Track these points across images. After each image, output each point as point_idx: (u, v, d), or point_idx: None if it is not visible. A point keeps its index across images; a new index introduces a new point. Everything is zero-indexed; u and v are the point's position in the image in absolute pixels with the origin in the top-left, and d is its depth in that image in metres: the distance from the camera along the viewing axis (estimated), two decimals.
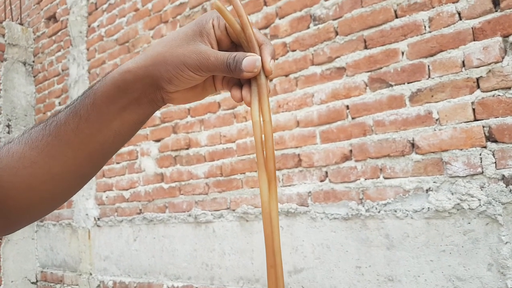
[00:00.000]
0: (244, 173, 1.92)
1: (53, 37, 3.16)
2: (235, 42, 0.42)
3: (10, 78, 3.21)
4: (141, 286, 2.34)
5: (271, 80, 1.84)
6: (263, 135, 0.40)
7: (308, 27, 1.73)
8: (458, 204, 1.32)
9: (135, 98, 0.41)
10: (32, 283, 3.12)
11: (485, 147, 1.28)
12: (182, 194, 2.19)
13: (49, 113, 3.15)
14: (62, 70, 3.05)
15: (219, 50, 0.41)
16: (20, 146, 0.44)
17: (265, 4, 1.89)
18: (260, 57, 0.39)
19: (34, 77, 3.35)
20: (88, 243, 2.71)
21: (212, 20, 0.40)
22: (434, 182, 1.38)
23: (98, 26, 2.76)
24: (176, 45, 0.39)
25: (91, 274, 2.67)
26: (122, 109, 0.41)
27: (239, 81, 0.42)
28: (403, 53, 1.46)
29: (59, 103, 3.06)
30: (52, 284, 2.99)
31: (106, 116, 0.41)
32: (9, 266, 3.01)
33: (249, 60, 0.38)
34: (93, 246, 2.67)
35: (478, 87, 1.30)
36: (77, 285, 2.76)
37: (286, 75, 1.79)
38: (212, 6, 0.38)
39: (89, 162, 0.44)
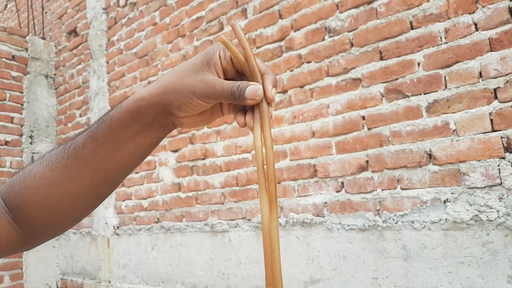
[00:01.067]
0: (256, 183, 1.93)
1: (74, 51, 3.26)
2: (239, 71, 0.45)
3: (33, 90, 3.31)
4: None
5: (286, 92, 1.87)
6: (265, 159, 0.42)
7: (323, 39, 1.75)
8: (477, 215, 1.31)
9: (148, 123, 0.44)
10: None
11: (503, 158, 1.27)
12: (198, 204, 2.21)
13: (70, 124, 3.24)
14: (83, 83, 3.14)
15: (225, 78, 0.44)
16: (41, 168, 0.47)
17: (280, 17, 1.92)
18: (261, 86, 0.42)
19: (55, 89, 3.45)
20: (107, 251, 2.76)
21: (219, 51, 0.44)
22: (452, 193, 1.37)
23: (117, 40, 2.84)
24: (186, 75, 0.42)
25: (110, 281, 2.71)
26: (136, 134, 0.45)
27: (244, 107, 0.45)
28: (419, 64, 1.47)
29: (80, 114, 3.15)
30: None
31: (121, 140, 0.45)
32: (31, 273, 3.08)
33: (251, 89, 0.41)
34: (112, 254, 2.72)
35: (496, 97, 1.30)
36: None
37: (301, 86, 1.81)
38: (218, 39, 0.41)
39: (105, 182, 0.48)
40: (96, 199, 0.50)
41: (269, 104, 0.43)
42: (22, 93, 3.25)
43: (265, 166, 0.42)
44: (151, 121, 0.44)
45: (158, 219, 2.43)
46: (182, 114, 0.44)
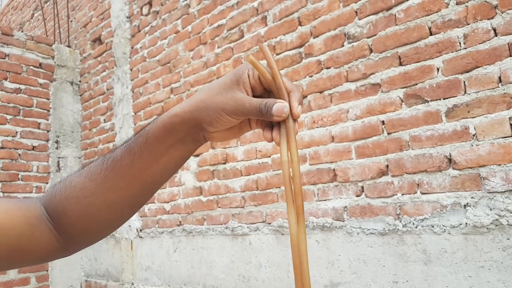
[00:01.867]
0: (279, 187, 1.97)
1: (99, 58, 3.37)
2: (267, 89, 0.48)
3: (59, 97, 3.43)
4: None
5: (305, 97, 1.90)
6: (291, 173, 0.44)
7: (343, 45, 1.78)
8: (497, 219, 1.31)
9: (181, 137, 0.48)
10: None
11: None
12: (219, 207, 2.26)
13: (94, 130, 3.34)
14: (107, 89, 3.24)
15: (253, 96, 0.47)
16: (81, 179, 0.51)
17: (300, 24, 1.96)
18: (288, 103, 0.45)
19: (80, 96, 3.56)
20: (130, 254, 2.83)
21: (248, 70, 0.47)
22: (472, 198, 1.37)
23: (141, 47, 2.92)
24: (216, 93, 0.46)
25: (133, 284, 2.78)
26: (170, 147, 0.49)
27: (271, 122, 0.48)
28: (438, 69, 1.49)
29: (104, 120, 3.24)
30: None
31: (157, 153, 0.49)
32: (56, 274, 3.17)
33: (278, 106, 0.44)
34: (135, 256, 2.79)
35: None
36: None
37: (321, 92, 1.84)
38: (247, 59, 0.44)
39: (141, 193, 0.51)
40: (132, 209, 0.53)
41: (295, 120, 0.45)
42: (48, 99, 3.37)
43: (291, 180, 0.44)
44: (184, 136, 0.48)
45: (180, 222, 2.49)
46: (212, 129, 0.47)
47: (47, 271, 3.13)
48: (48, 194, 0.53)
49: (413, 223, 1.50)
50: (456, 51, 1.44)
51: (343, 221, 1.71)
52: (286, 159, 0.44)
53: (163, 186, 2.61)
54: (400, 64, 1.59)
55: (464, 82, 1.42)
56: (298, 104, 0.45)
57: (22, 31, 4.82)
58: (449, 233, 1.41)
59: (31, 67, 3.28)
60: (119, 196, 0.50)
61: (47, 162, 3.28)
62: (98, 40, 3.42)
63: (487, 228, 1.33)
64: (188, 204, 2.45)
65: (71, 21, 3.84)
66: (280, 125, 0.46)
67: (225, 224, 2.21)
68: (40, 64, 3.34)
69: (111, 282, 2.98)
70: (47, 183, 3.24)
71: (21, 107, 3.18)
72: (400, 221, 1.54)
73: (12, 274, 2.94)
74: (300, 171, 0.44)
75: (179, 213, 2.50)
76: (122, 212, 0.53)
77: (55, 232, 0.52)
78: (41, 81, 3.33)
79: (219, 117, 0.45)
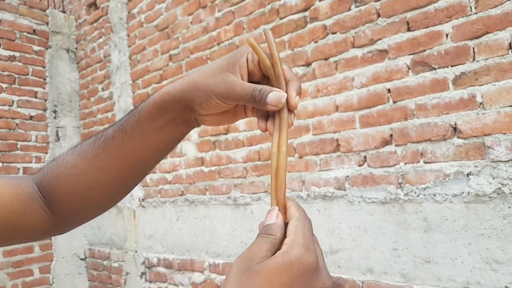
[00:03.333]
0: None
1: (95, 24, 3.27)
2: (266, 76, 0.46)
3: (55, 65, 3.36)
4: (184, 262, 2.46)
5: (310, 64, 1.86)
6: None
7: (349, 9, 1.72)
8: (499, 188, 1.31)
9: (172, 118, 0.47)
10: (81, 259, 3.34)
11: None
12: (221, 178, 2.26)
13: (92, 99, 3.29)
14: (104, 57, 3.17)
15: (250, 81, 0.45)
16: (73, 157, 0.51)
17: None
18: (285, 93, 0.42)
19: (77, 63, 3.49)
20: (133, 223, 2.86)
21: (247, 54, 0.44)
22: (475, 167, 1.37)
23: (138, 12, 2.83)
24: (210, 74, 0.44)
25: (136, 251, 2.83)
26: (161, 128, 0.47)
27: (268, 112, 0.45)
28: (447, 35, 1.44)
29: (102, 88, 3.19)
30: (99, 260, 3.19)
31: (148, 133, 0.47)
32: (59, 243, 3.22)
33: (275, 95, 0.42)
34: (138, 225, 2.82)
35: None
36: (123, 261, 2.94)
37: (326, 59, 1.80)
38: (247, 42, 0.42)
39: (131, 173, 0.51)
40: (123, 190, 0.53)
41: (290, 111, 0.43)
42: (44, 67, 3.30)
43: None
44: (175, 117, 0.47)
45: (182, 192, 2.50)
46: (203, 112, 0.45)
47: (51, 239, 3.17)
48: (41, 172, 0.53)
49: (415, 192, 1.51)
50: (467, 16, 1.39)
51: (344, 191, 1.71)
52: (275, 151, 0.42)
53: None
54: (408, 29, 1.54)
55: (473, 48, 1.38)
56: (296, 94, 0.43)
57: None
58: (450, 202, 1.42)
59: (25, 33, 3.19)
60: (110, 175, 0.50)
61: (46, 132, 3.25)
62: (93, 5, 3.32)
63: (489, 197, 1.33)
64: (190, 175, 2.45)
65: None
66: (275, 115, 0.44)
67: (227, 194, 2.22)
68: (34, 31, 3.25)
69: (115, 250, 3.03)
70: (46, 153, 3.23)
71: (16, 76, 3.11)
72: (402, 190, 1.54)
73: None
74: (286, 164, 0.42)
75: (181, 183, 2.50)
76: (113, 192, 0.52)
77: (47, 210, 0.52)
78: (36, 48, 3.25)
79: (208, 99, 0.43)
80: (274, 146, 0.42)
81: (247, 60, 0.44)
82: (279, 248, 0.35)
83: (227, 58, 0.44)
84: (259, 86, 0.42)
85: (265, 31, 0.45)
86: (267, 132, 0.44)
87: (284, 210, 0.40)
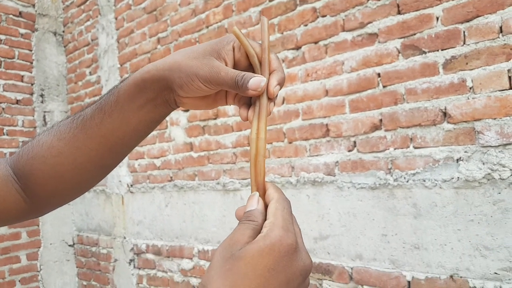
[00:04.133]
0: (271, 143, 1.94)
1: (82, 7, 3.19)
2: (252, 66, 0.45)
3: (41, 48, 3.28)
4: (173, 249, 2.45)
5: (299, 48, 1.82)
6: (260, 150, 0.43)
7: None
8: (489, 174, 1.31)
9: (152, 98, 0.46)
10: (69, 245, 3.31)
11: None
12: (210, 163, 2.24)
13: (80, 83, 3.23)
14: (92, 40, 3.10)
15: (235, 69, 0.44)
16: (49, 137, 0.49)
17: None
18: (265, 79, 0.42)
19: (64, 47, 3.42)
20: (121, 209, 2.84)
21: (233, 42, 0.44)
22: (465, 152, 1.36)
23: None
24: (193, 56, 0.43)
25: (125, 237, 2.81)
26: (140, 108, 0.46)
27: (249, 101, 0.45)
28: (437, 18, 1.42)
29: (90, 72, 3.13)
30: (88, 246, 3.17)
31: (126, 113, 0.46)
32: (47, 229, 3.19)
33: (255, 80, 0.41)
34: (127, 211, 2.80)
35: None
36: (111, 247, 2.92)
37: (316, 42, 1.76)
38: (231, 31, 0.41)
39: (109, 154, 0.49)
40: (101, 171, 0.52)
41: (270, 99, 0.43)
42: (31, 51, 3.22)
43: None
44: (155, 96, 0.45)
45: (171, 177, 2.48)
46: (183, 93, 0.44)
47: (38, 226, 3.14)
48: (16, 154, 0.52)
49: (405, 178, 1.50)
50: None
51: (334, 176, 1.70)
52: (254, 137, 0.43)
53: (152, 142, 2.57)
54: (399, 12, 1.51)
55: (464, 32, 1.36)
56: (277, 83, 0.43)
57: None
58: (440, 187, 1.41)
59: (11, 16, 3.11)
60: (88, 156, 0.48)
61: (33, 116, 3.19)
62: None
63: (479, 182, 1.33)
64: (178, 160, 2.42)
65: None
66: (255, 103, 0.44)
67: (216, 179, 2.20)
68: (20, 13, 3.16)
69: (103, 236, 3.01)
70: (33, 138, 3.17)
71: (2, 59, 3.04)
72: (391, 176, 1.53)
73: (3, 229, 2.94)
74: (265, 150, 0.43)
75: (170, 169, 2.48)
76: (91, 173, 0.51)
77: (23, 193, 0.51)
78: (22, 31, 3.17)
79: (190, 81, 0.42)
80: (253, 132, 0.43)
81: (233, 49, 0.44)
82: (260, 232, 0.36)
83: (212, 43, 0.44)
84: (242, 72, 0.42)
85: (262, 18, 0.45)
86: (247, 121, 0.44)
87: (264, 195, 0.41)
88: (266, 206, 0.39)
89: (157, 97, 0.45)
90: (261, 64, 0.43)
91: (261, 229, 0.36)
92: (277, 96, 0.43)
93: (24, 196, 0.51)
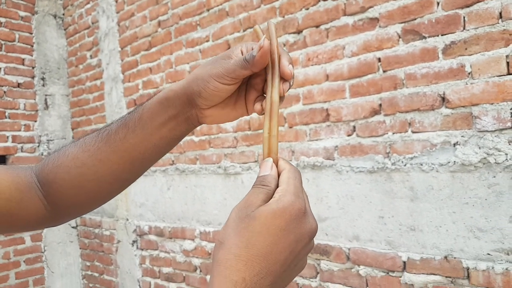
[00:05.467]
0: None
1: None
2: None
3: (42, 31, 3.27)
4: (175, 230, 2.50)
5: (301, 32, 1.83)
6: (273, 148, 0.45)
7: None
8: (485, 158, 1.33)
9: (174, 115, 0.48)
10: (73, 227, 3.37)
11: None
12: (211, 147, 2.27)
13: (81, 66, 3.23)
14: (92, 23, 3.09)
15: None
16: (75, 149, 0.52)
17: None
18: (266, 39, 0.44)
19: (65, 30, 3.40)
20: (124, 191, 2.87)
21: (241, 47, 0.47)
22: (462, 136, 1.38)
23: None
24: (207, 64, 0.46)
25: (127, 219, 2.86)
26: (162, 125, 0.49)
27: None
28: (438, 3, 1.42)
29: (90, 56, 3.13)
30: (91, 228, 3.22)
31: (148, 130, 0.49)
32: None
33: (258, 44, 0.43)
34: (129, 193, 2.84)
35: None
36: (114, 229, 2.97)
37: (317, 26, 1.77)
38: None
39: (130, 169, 0.52)
40: (121, 184, 0.54)
41: (285, 81, 0.45)
42: (31, 33, 3.21)
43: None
44: (177, 113, 0.48)
45: (172, 161, 2.51)
46: (203, 102, 0.46)
47: None
48: (41, 162, 0.55)
49: (402, 161, 1.53)
50: None
51: (333, 160, 1.73)
52: (267, 136, 0.44)
53: None
54: None
55: (464, 17, 1.37)
56: (289, 63, 0.45)
57: None
58: (437, 171, 1.44)
59: None
60: (109, 169, 0.51)
61: (34, 99, 3.20)
62: None
63: (475, 166, 1.35)
64: (180, 144, 2.45)
65: None
66: (266, 100, 0.46)
67: (217, 163, 2.23)
68: None
69: (106, 218, 3.06)
70: (35, 121, 3.19)
71: (2, 42, 3.03)
72: (389, 160, 1.56)
73: None
74: (277, 148, 0.45)
75: (172, 153, 2.51)
76: (111, 186, 0.53)
77: (44, 201, 0.53)
78: (22, 13, 3.16)
79: (206, 84, 0.45)
80: (265, 131, 0.44)
81: (241, 52, 0.47)
82: (272, 197, 0.39)
83: (223, 53, 0.47)
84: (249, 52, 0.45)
85: (269, 23, 0.47)
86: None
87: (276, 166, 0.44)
88: (278, 174, 0.43)
89: (178, 114, 0.48)
90: (272, 66, 0.45)
91: (273, 194, 0.40)
92: (293, 77, 0.46)
93: (46, 204, 0.53)
